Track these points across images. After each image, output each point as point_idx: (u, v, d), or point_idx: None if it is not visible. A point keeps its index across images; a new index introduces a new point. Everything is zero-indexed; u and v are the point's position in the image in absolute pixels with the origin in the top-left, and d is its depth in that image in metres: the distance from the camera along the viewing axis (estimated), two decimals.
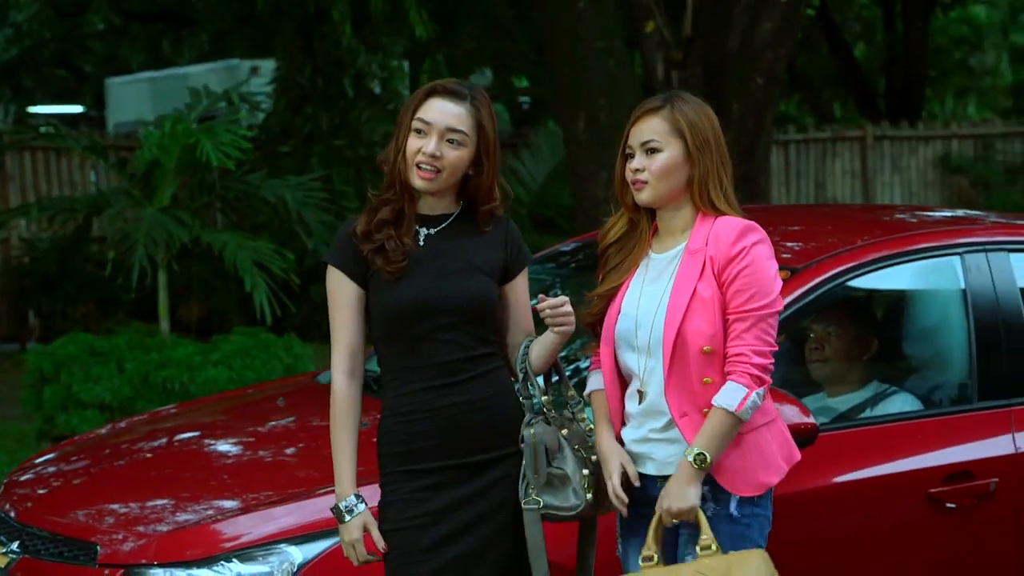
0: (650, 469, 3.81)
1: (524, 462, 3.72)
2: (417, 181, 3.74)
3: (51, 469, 5.03)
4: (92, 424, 8.68)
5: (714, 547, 3.67)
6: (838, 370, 4.91)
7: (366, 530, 3.76)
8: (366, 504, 3.77)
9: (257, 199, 10.01)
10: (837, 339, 4.91)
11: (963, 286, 4.79)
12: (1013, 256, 4.87)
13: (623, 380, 3.90)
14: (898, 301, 5.17)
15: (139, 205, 9.48)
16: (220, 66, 18.86)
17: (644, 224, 3.89)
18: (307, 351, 9.46)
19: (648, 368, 3.78)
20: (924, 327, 5.06)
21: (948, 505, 4.54)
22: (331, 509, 3.79)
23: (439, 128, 3.72)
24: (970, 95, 29.59)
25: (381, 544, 3.74)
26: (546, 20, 10.62)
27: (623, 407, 3.88)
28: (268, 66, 17.12)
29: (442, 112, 3.73)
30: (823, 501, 4.41)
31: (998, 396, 4.73)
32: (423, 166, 3.72)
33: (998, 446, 4.66)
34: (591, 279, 5.63)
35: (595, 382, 3.95)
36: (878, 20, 23.95)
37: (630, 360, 3.83)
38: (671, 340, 3.71)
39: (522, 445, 3.72)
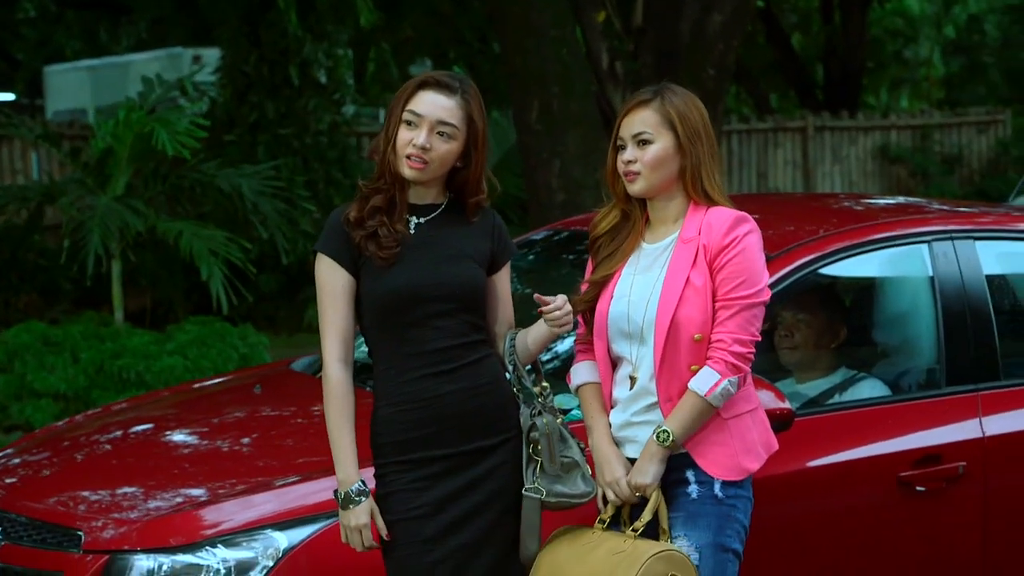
0: (632, 451, 3.89)
1: (531, 450, 3.76)
2: (406, 171, 3.77)
3: (26, 458, 5.01)
4: (46, 414, 8.65)
5: (642, 530, 3.75)
6: (807, 357, 4.98)
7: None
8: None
9: (211, 188, 9.97)
10: (807, 327, 4.98)
11: (931, 273, 4.87)
12: (979, 244, 4.97)
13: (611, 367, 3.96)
14: (867, 289, 5.24)
15: (92, 194, 9.42)
16: (163, 54, 18.71)
17: (636, 214, 3.95)
18: (262, 340, 9.46)
19: (639, 354, 3.85)
20: (893, 314, 5.14)
21: (918, 488, 4.62)
22: (334, 494, 3.80)
23: (430, 120, 3.75)
24: (904, 87, 29.92)
25: (385, 532, 3.76)
26: (498, 9, 10.65)
27: (612, 394, 3.94)
28: (210, 54, 17.02)
29: (433, 104, 3.76)
30: (795, 485, 4.47)
31: (965, 381, 4.82)
32: (413, 157, 3.75)
33: (966, 430, 4.74)
34: (563, 266, 5.71)
35: (584, 375, 4.01)
36: (814, 12, 24.15)
37: (621, 347, 3.89)
38: (664, 327, 3.78)
39: (534, 434, 3.75)
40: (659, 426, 3.78)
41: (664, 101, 3.86)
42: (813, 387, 4.94)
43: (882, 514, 4.61)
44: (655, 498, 3.78)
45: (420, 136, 3.74)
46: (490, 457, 3.79)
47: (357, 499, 3.74)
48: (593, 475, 3.86)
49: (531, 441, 3.77)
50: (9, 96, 26.66)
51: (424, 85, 3.79)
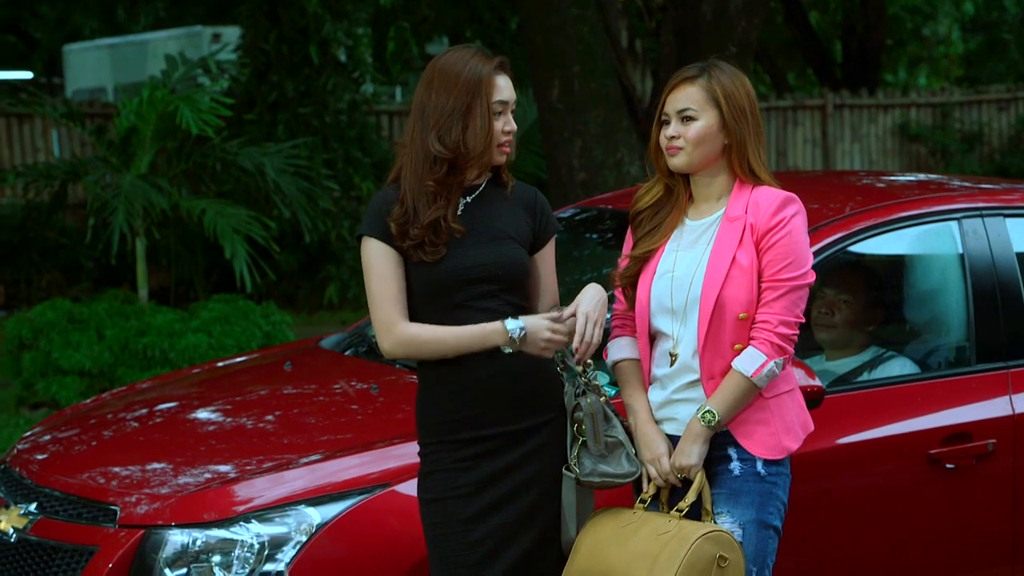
0: (671, 429, 3.89)
1: (576, 430, 3.76)
2: (501, 158, 3.82)
3: (56, 435, 5.04)
4: (71, 391, 8.70)
5: (687, 511, 3.75)
6: (844, 336, 4.98)
7: None
8: None
9: (233, 167, 9.99)
10: (847, 307, 4.98)
11: (961, 251, 4.88)
12: (1009, 221, 4.97)
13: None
14: (897, 266, 5.24)
15: (117, 172, 9.45)
16: (182, 33, 18.74)
17: (679, 189, 3.94)
18: (285, 318, 9.49)
19: (681, 331, 3.85)
20: (923, 292, 5.14)
21: (947, 466, 4.63)
22: (509, 344, 3.70)
23: (511, 104, 3.81)
24: (922, 64, 29.79)
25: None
26: None
27: (650, 370, 3.95)
28: (229, 33, 17.04)
29: (508, 89, 3.81)
30: (825, 463, 4.48)
31: (995, 358, 4.82)
32: (506, 143, 3.80)
33: (995, 408, 4.75)
34: (588, 246, 5.72)
35: (622, 350, 3.99)
36: None
37: (663, 323, 3.89)
38: (710, 305, 3.77)
39: (578, 414, 3.75)
40: (702, 407, 3.78)
41: (711, 78, 3.86)
42: (842, 365, 4.94)
43: (912, 491, 4.63)
44: (700, 479, 3.78)
45: (510, 121, 3.80)
46: (534, 437, 3.79)
47: (518, 323, 3.70)
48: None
49: (575, 421, 3.77)
50: (27, 75, 26.72)
51: (496, 72, 3.79)
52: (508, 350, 3.72)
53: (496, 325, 3.71)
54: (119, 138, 9.60)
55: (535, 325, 3.71)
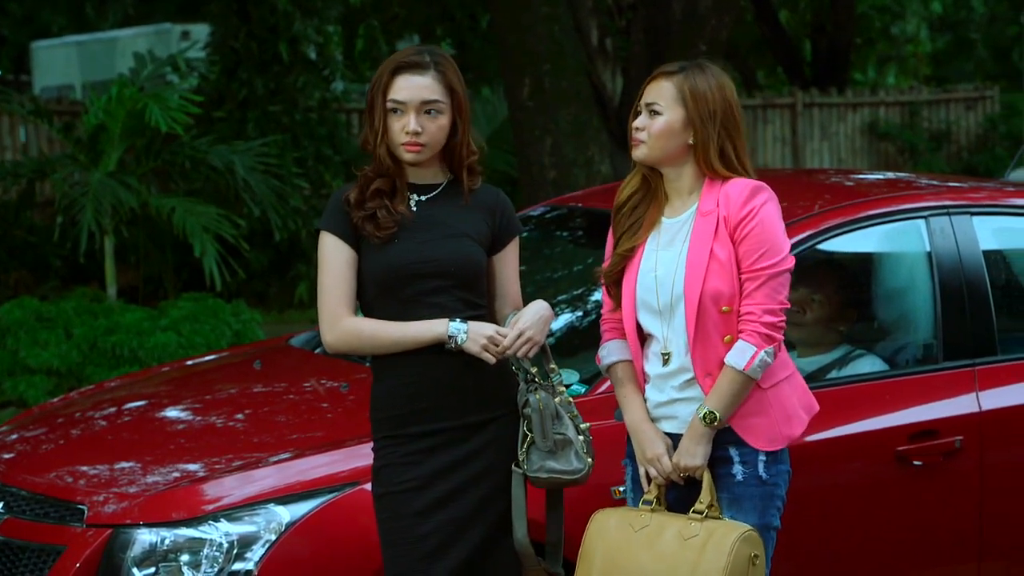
0: (670, 428, 3.90)
1: (525, 427, 3.77)
2: (407, 156, 3.80)
3: (24, 434, 5.02)
4: (39, 390, 8.66)
5: (707, 512, 3.77)
6: (815, 335, 4.99)
7: None
8: None
9: (203, 165, 9.96)
10: (819, 306, 4.99)
11: (928, 249, 4.89)
12: (976, 219, 4.98)
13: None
14: (864, 264, 5.26)
15: (85, 170, 9.42)
16: (150, 30, 18.69)
17: (657, 182, 3.96)
18: (255, 317, 9.47)
19: (670, 330, 3.86)
20: (890, 289, 5.16)
21: (915, 462, 4.65)
22: (448, 344, 3.73)
23: (414, 104, 3.77)
24: (890, 63, 29.93)
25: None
26: None
27: (643, 369, 3.95)
28: (199, 30, 16.98)
29: (411, 88, 3.78)
30: (793, 459, 4.44)
31: (962, 356, 4.84)
32: (410, 143, 3.78)
33: (962, 405, 4.77)
34: (558, 244, 5.73)
35: (615, 353, 4.00)
36: None
37: (651, 324, 3.90)
38: (694, 302, 3.79)
39: (527, 410, 3.76)
40: (702, 407, 3.79)
41: (686, 76, 3.87)
42: (811, 363, 4.95)
43: (879, 488, 4.64)
44: (708, 479, 3.80)
45: (410, 122, 3.76)
46: (484, 432, 3.81)
47: (463, 325, 3.73)
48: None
49: (524, 417, 3.79)
50: None
51: (397, 71, 3.79)
52: (450, 346, 3.73)
53: (439, 322, 3.73)
54: (87, 136, 9.57)
55: (478, 329, 3.73)
